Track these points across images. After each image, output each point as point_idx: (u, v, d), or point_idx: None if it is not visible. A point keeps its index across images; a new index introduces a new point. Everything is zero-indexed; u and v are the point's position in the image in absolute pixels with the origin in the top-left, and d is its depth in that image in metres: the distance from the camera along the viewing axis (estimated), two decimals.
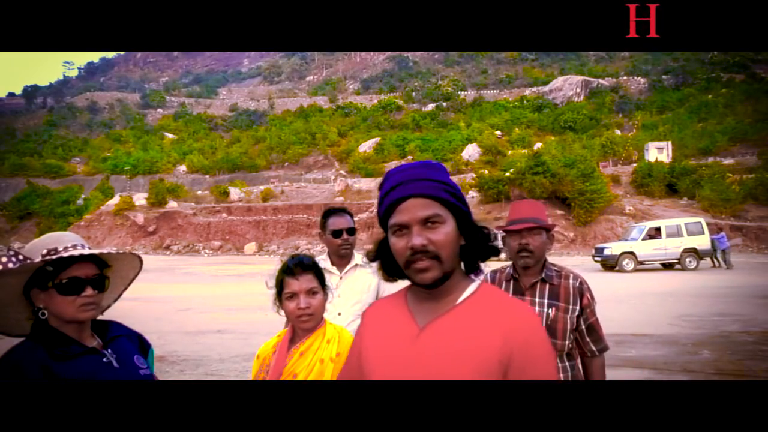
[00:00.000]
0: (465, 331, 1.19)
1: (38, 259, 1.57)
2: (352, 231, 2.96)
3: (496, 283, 2.52)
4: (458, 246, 1.24)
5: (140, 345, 1.81)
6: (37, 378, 1.46)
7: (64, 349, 1.56)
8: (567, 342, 2.37)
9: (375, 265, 1.36)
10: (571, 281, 2.43)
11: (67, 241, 1.62)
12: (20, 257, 1.56)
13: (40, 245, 1.61)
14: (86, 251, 1.62)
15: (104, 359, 1.62)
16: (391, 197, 1.22)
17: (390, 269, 1.30)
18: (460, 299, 1.24)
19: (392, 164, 61.48)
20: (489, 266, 1.36)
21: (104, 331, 1.72)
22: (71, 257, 1.58)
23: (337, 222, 2.94)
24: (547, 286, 2.43)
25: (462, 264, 1.29)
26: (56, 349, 1.54)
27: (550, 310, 2.39)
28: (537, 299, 2.42)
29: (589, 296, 2.41)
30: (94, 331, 1.70)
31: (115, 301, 1.87)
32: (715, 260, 22.17)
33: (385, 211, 1.25)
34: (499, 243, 1.38)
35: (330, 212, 3.00)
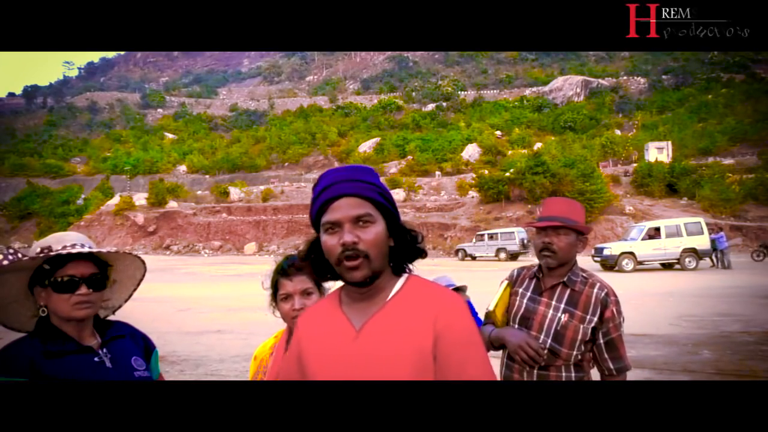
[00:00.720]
0: (398, 327, 1.22)
1: (29, 256, 1.59)
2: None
3: (520, 280, 2.42)
4: (387, 246, 1.27)
5: (145, 346, 1.80)
6: (23, 373, 1.47)
7: (58, 346, 1.57)
8: (574, 352, 2.22)
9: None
10: (595, 290, 2.26)
11: (67, 240, 1.63)
12: (18, 255, 1.58)
13: (37, 245, 1.63)
14: (78, 249, 1.62)
15: (96, 359, 1.62)
16: (324, 196, 1.26)
17: (322, 269, 1.33)
18: (390, 296, 1.27)
19: (392, 164, 61.55)
20: (416, 267, 1.38)
21: (106, 330, 1.72)
22: (59, 255, 1.59)
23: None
24: (568, 291, 2.28)
25: (390, 265, 1.31)
26: (50, 346, 1.56)
27: (563, 315, 2.25)
28: (554, 302, 2.29)
29: (614, 310, 2.23)
30: (99, 331, 1.70)
31: (126, 300, 1.89)
32: (713, 259, 22.20)
33: (318, 211, 1.28)
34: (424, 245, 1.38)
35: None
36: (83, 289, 1.60)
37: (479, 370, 1.19)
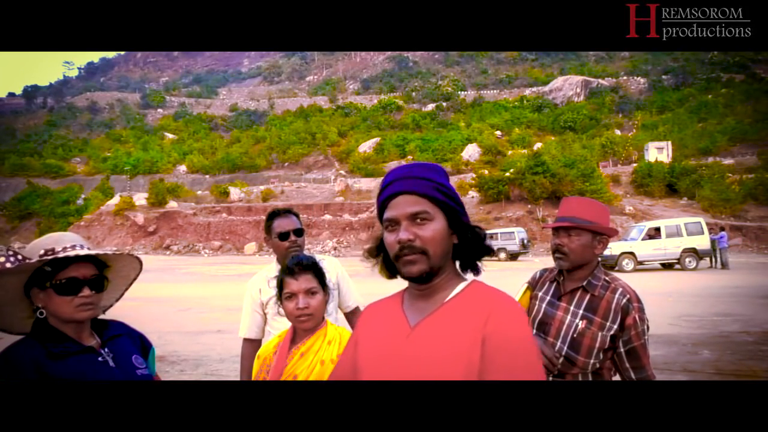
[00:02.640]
0: (451, 329, 1.21)
1: (36, 259, 1.58)
2: (299, 232, 2.76)
3: (540, 282, 2.34)
4: (449, 244, 1.27)
5: (141, 345, 1.81)
6: (30, 376, 1.47)
7: (60, 347, 1.57)
8: (591, 360, 2.10)
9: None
10: (617, 296, 2.11)
11: (66, 242, 1.63)
12: (19, 257, 1.57)
13: (40, 245, 1.62)
14: (84, 252, 1.62)
15: (99, 358, 1.63)
16: (384, 194, 1.28)
17: (390, 266, 1.33)
18: (449, 297, 1.27)
19: (392, 164, 61.54)
20: (486, 265, 1.37)
21: (104, 330, 1.72)
22: (67, 258, 1.58)
23: (282, 224, 2.74)
24: (588, 296, 2.15)
25: (458, 263, 1.31)
26: (52, 348, 1.55)
27: (580, 321, 2.13)
28: (572, 307, 2.17)
29: (636, 317, 2.09)
30: (95, 330, 1.70)
31: (117, 300, 1.88)
32: (712, 259, 22.20)
33: (380, 208, 1.30)
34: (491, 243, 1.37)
35: (274, 214, 2.79)
36: (86, 291, 1.60)
37: (524, 377, 1.13)
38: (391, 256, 1.26)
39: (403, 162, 61.32)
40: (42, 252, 1.59)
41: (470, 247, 1.29)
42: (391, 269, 1.33)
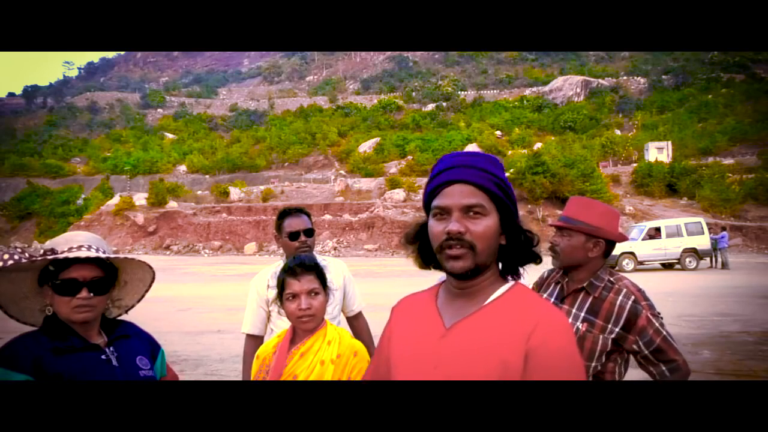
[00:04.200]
0: (489, 333, 1.15)
1: (39, 258, 1.59)
2: (309, 232, 2.73)
3: (546, 283, 2.33)
4: (497, 243, 1.20)
5: (151, 347, 1.82)
6: (26, 368, 1.48)
7: (66, 343, 1.58)
8: (593, 363, 2.06)
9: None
10: (620, 298, 2.06)
11: (75, 242, 1.64)
12: (26, 255, 1.60)
13: (51, 244, 1.65)
14: (86, 253, 1.62)
15: (103, 357, 1.63)
16: (438, 180, 1.19)
17: (425, 255, 1.26)
18: (489, 300, 1.20)
19: (392, 164, 61.50)
20: (528, 272, 1.31)
21: (114, 330, 1.72)
22: (66, 259, 1.59)
23: (293, 223, 2.72)
24: (590, 298, 2.11)
25: (500, 265, 1.24)
26: (59, 343, 1.56)
27: (581, 324, 2.09)
28: (574, 310, 2.13)
29: (648, 316, 2.04)
30: (105, 329, 1.72)
31: (138, 301, 1.90)
32: (713, 259, 22.20)
33: (430, 193, 1.22)
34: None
35: (285, 213, 2.78)
36: (84, 293, 1.60)
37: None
38: (435, 246, 1.18)
39: (403, 162, 61.28)
40: (42, 252, 1.61)
41: (518, 250, 1.22)
42: (426, 259, 1.26)
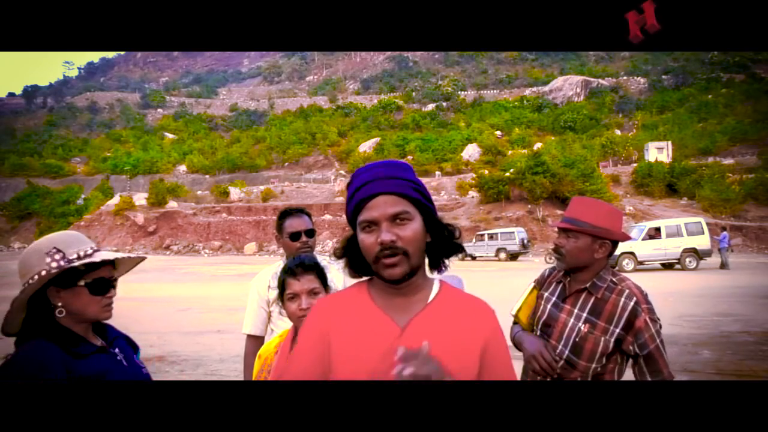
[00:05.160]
0: (444, 329, 1.23)
1: (78, 261, 1.58)
2: (311, 233, 2.72)
3: (548, 281, 2.29)
4: (425, 243, 1.26)
5: (132, 346, 1.83)
6: (60, 376, 1.46)
7: (80, 347, 1.57)
8: (593, 365, 2.04)
9: (341, 262, 1.34)
10: (622, 299, 2.04)
11: (83, 240, 1.64)
12: (64, 259, 1.56)
13: (69, 243, 1.60)
14: (121, 255, 1.67)
15: (118, 357, 1.66)
16: (360, 195, 1.24)
17: (357, 266, 1.31)
18: (431, 297, 1.28)
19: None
20: (452, 263, 1.37)
21: (103, 332, 1.72)
22: (105, 260, 1.61)
23: (294, 224, 2.70)
24: (592, 299, 2.09)
25: (426, 260, 1.31)
26: (73, 348, 1.55)
27: (583, 325, 2.07)
28: (576, 310, 2.11)
29: (647, 319, 2.01)
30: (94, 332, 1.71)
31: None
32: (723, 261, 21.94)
33: (354, 209, 1.26)
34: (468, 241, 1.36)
35: (286, 213, 2.76)
36: (112, 292, 1.64)
37: (511, 373, 1.28)
38: (370, 257, 1.24)
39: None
40: (81, 253, 1.59)
41: (442, 245, 1.29)
42: (358, 269, 1.31)
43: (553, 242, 2.22)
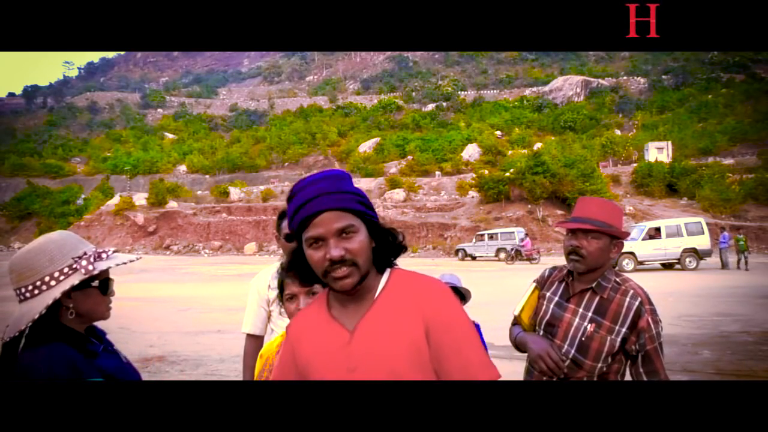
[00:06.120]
0: (389, 322, 1.25)
1: (103, 263, 1.60)
2: None
3: (549, 281, 2.28)
4: (371, 250, 1.30)
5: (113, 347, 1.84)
6: (67, 376, 1.46)
7: (91, 346, 1.59)
8: (599, 364, 2.04)
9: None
10: (627, 299, 2.06)
11: (87, 244, 1.66)
12: (90, 262, 1.57)
13: (76, 245, 1.60)
14: (131, 256, 1.72)
15: (121, 356, 1.68)
16: (305, 212, 1.25)
17: (306, 277, 1.35)
18: (377, 294, 1.30)
19: (392, 164, 61.54)
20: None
21: (93, 333, 1.72)
22: (123, 263, 1.65)
23: None
24: (597, 298, 2.10)
25: (373, 263, 1.34)
26: (87, 347, 1.57)
27: (589, 324, 2.07)
28: (581, 309, 2.11)
29: (649, 320, 2.02)
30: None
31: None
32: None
33: (299, 226, 1.28)
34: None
35: (284, 214, 2.69)
36: (114, 292, 1.67)
37: (473, 350, 1.22)
38: (319, 272, 1.26)
39: (403, 162, 61.32)
40: (103, 254, 1.63)
41: (387, 249, 1.33)
42: (307, 279, 1.35)
43: (567, 244, 2.17)
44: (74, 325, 1.58)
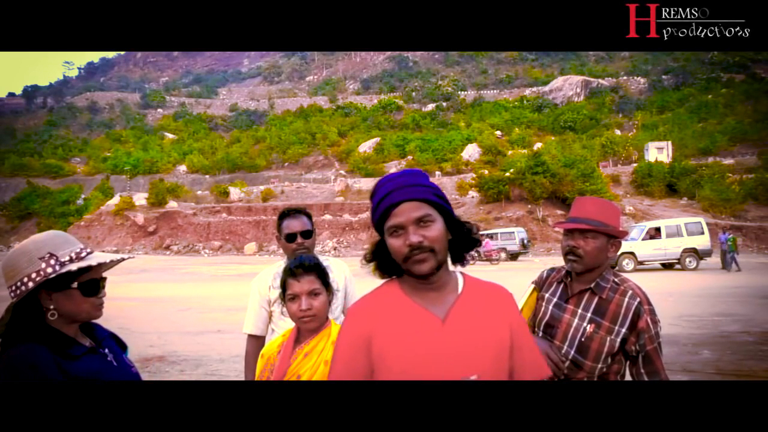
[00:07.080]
0: (479, 318, 1.38)
1: (73, 264, 1.57)
2: (307, 234, 2.67)
3: (548, 282, 2.28)
4: (447, 240, 1.40)
5: (121, 345, 1.82)
6: (56, 377, 1.46)
7: (72, 348, 1.56)
8: (599, 365, 2.05)
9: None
10: (626, 299, 2.06)
11: (75, 243, 1.63)
12: (58, 263, 1.55)
13: (58, 245, 1.59)
14: (112, 256, 1.68)
15: (108, 358, 1.65)
16: (386, 203, 1.37)
17: (386, 268, 1.45)
18: (461, 288, 1.42)
19: (392, 164, 61.53)
20: (473, 256, 1.46)
21: (91, 332, 1.72)
22: (104, 262, 1.61)
23: (291, 225, 2.67)
24: (596, 299, 2.10)
25: (449, 256, 1.44)
26: (65, 349, 1.54)
27: (588, 325, 2.07)
28: (580, 310, 2.11)
29: (648, 320, 2.02)
30: (82, 332, 1.71)
31: None
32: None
33: (380, 217, 1.39)
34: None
35: (285, 214, 2.74)
36: (103, 292, 1.65)
37: (537, 349, 1.45)
38: (399, 258, 1.36)
39: (403, 162, 61.32)
40: (73, 255, 1.58)
41: (462, 241, 1.44)
42: (386, 270, 1.44)
43: (565, 245, 2.17)
44: (60, 326, 1.57)
